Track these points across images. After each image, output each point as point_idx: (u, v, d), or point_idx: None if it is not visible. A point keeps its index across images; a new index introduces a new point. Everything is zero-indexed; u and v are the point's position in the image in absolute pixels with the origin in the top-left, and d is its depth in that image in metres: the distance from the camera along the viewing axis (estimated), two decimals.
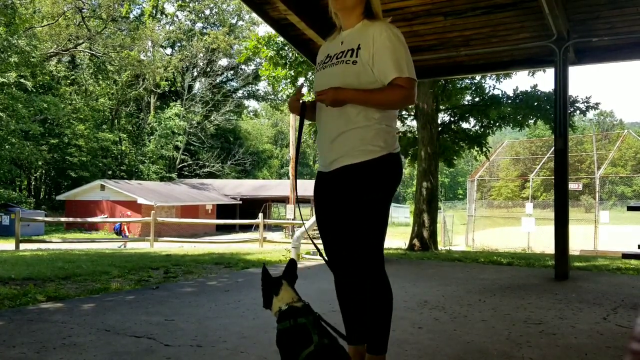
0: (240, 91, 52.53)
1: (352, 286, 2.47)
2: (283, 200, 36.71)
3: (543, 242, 16.19)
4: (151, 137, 42.96)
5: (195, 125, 44.97)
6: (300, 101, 2.46)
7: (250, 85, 51.18)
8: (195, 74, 48.25)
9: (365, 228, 2.30)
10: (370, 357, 2.38)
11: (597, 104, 12.43)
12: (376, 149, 2.29)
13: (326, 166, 2.40)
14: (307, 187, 33.67)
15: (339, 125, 2.32)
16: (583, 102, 12.34)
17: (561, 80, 6.25)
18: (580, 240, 17.53)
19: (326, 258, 2.52)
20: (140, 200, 28.38)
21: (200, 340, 3.17)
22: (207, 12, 48.58)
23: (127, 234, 24.18)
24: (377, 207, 2.31)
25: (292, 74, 12.92)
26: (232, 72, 50.50)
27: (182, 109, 43.63)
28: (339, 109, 2.31)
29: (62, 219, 26.08)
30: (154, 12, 38.84)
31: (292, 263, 2.31)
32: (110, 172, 39.33)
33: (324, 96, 2.28)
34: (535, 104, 12.19)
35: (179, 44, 47.52)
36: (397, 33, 2.31)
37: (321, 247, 2.59)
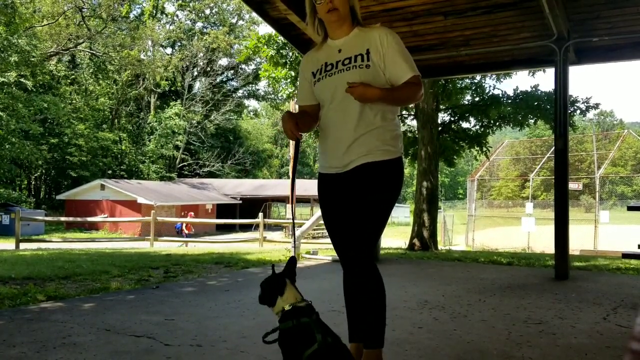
0: (241, 91, 52.55)
1: (358, 284, 2.50)
2: (283, 199, 36.78)
3: (543, 242, 16.18)
4: (151, 136, 42.94)
5: (196, 124, 44.95)
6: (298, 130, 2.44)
7: (250, 85, 51.19)
8: (196, 73, 48.25)
9: (373, 223, 2.37)
10: (367, 353, 2.39)
11: (597, 104, 12.45)
12: (393, 150, 2.41)
13: (340, 167, 2.44)
14: (307, 187, 33.68)
15: (358, 128, 2.38)
16: (583, 102, 12.35)
17: (561, 80, 6.24)
18: (580, 240, 17.51)
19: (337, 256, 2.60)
20: (140, 200, 28.39)
21: (200, 339, 3.17)
22: (207, 11, 48.58)
23: (186, 233, 24.39)
24: (387, 206, 2.40)
25: (292, 74, 12.91)
26: (232, 71, 50.51)
27: (182, 108, 43.60)
28: (357, 113, 2.37)
29: (62, 219, 26.08)
30: (154, 11, 38.75)
31: (292, 261, 2.30)
32: (110, 172, 39.31)
33: (354, 89, 2.29)
34: (536, 103, 12.19)
35: (179, 44, 47.52)
36: (397, 36, 2.46)
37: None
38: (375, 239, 2.41)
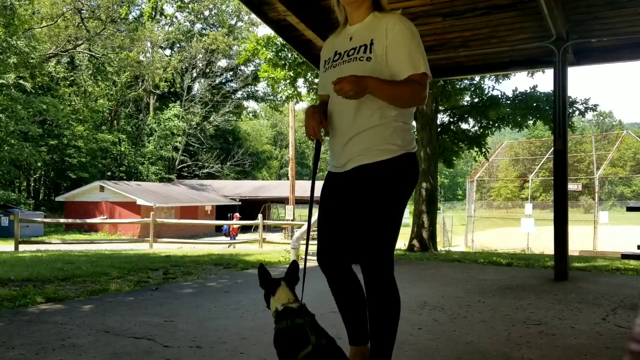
0: (240, 92, 52.56)
1: (349, 287, 2.38)
2: (282, 201, 36.71)
3: (542, 242, 16.20)
4: (150, 138, 42.95)
5: (195, 126, 44.98)
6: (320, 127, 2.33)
7: (249, 86, 51.21)
8: (195, 74, 48.26)
9: (381, 229, 2.20)
10: None
11: (595, 105, 12.46)
12: (394, 148, 2.20)
13: (340, 167, 2.32)
14: (306, 188, 33.62)
15: (353, 127, 2.22)
16: (582, 104, 12.36)
17: (560, 81, 6.25)
18: (579, 241, 17.55)
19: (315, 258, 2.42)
20: (140, 202, 28.38)
21: (200, 341, 3.16)
22: (207, 13, 48.60)
23: (235, 235, 24.57)
24: (392, 209, 2.21)
25: (292, 75, 12.91)
26: (231, 73, 50.54)
27: (181, 109, 43.62)
28: (353, 109, 2.21)
29: (62, 220, 26.02)
30: (153, 13, 38.80)
31: (294, 265, 2.30)
32: (109, 173, 39.30)
33: (342, 84, 2.05)
34: (535, 104, 12.19)
35: (178, 45, 47.54)
36: (410, 26, 2.21)
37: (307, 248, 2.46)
38: (389, 244, 2.23)
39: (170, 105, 44.15)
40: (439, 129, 13.11)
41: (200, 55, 46.39)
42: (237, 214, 29.25)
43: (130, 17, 39.81)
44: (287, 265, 2.33)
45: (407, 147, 2.25)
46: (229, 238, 23.78)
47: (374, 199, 2.20)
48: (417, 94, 2.20)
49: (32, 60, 30.16)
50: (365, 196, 2.21)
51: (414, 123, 13.27)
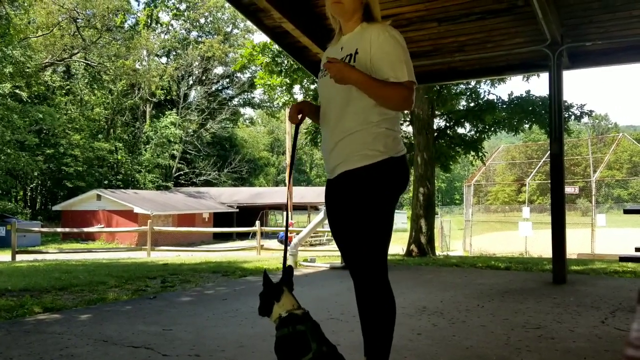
0: (236, 99, 52.57)
1: (365, 302, 2.34)
2: (280, 207, 36.71)
3: (540, 246, 16.21)
4: (147, 146, 42.89)
5: (192, 133, 44.94)
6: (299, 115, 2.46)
7: (246, 93, 51.21)
8: (191, 82, 48.26)
9: (366, 234, 2.21)
10: None
11: (591, 111, 12.50)
12: (375, 154, 2.21)
13: (330, 173, 2.38)
14: (303, 194, 33.65)
15: (338, 133, 2.27)
16: (577, 108, 12.40)
17: (555, 85, 6.28)
18: (577, 244, 17.54)
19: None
20: (137, 210, 28.30)
21: (199, 349, 3.15)
22: (202, 20, 48.66)
23: (290, 241, 24.46)
24: (378, 213, 2.21)
25: (288, 81, 12.95)
26: (227, 80, 50.55)
27: (178, 117, 43.59)
28: (337, 116, 2.27)
29: (59, 230, 25.89)
30: (149, 21, 38.85)
31: (289, 270, 2.30)
32: (106, 182, 39.19)
33: (330, 65, 2.18)
34: (530, 108, 12.23)
35: (174, 53, 47.56)
36: (395, 35, 2.26)
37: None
38: (378, 249, 2.22)
39: (166, 113, 44.10)
40: (435, 134, 13.14)
41: (197, 63, 46.42)
42: (292, 221, 28.98)
43: (126, 25, 39.90)
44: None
45: (391, 152, 2.25)
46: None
47: (357, 204, 2.22)
48: (404, 97, 2.20)
49: (28, 70, 30.15)
50: (350, 201, 2.25)
51: (410, 128, 13.31)
